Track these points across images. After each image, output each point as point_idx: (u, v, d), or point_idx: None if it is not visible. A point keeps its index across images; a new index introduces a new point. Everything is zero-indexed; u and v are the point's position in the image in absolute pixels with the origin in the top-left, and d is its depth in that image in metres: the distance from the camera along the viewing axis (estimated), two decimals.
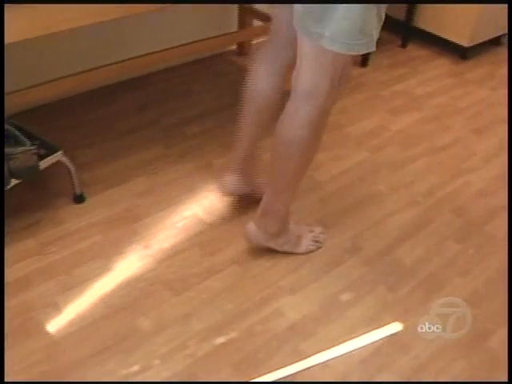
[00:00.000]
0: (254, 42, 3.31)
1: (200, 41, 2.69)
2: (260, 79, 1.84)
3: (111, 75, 2.61)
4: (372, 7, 1.37)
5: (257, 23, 3.15)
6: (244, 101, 1.90)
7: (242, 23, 3.15)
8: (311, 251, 2.00)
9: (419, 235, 2.13)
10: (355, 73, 3.19)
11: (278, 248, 1.95)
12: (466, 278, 1.97)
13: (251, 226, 1.89)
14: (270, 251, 1.96)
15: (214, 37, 2.79)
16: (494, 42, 3.74)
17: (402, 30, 3.54)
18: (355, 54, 1.46)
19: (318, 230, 2.05)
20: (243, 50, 3.26)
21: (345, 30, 1.39)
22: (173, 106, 2.72)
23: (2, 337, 1.61)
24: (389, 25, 3.57)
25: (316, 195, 2.27)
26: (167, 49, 2.55)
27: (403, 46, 3.54)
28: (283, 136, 1.66)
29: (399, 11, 3.44)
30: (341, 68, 1.53)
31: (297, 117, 1.62)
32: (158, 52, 2.51)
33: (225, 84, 2.97)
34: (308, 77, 1.56)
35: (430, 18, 3.43)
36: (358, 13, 1.36)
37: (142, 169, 2.30)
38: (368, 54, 3.22)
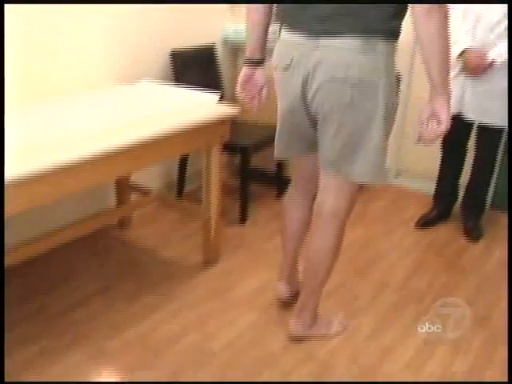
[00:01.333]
0: (135, 213, 3.37)
1: (79, 222, 2.70)
2: (294, 211, 2.37)
3: None
4: (383, 151, 1.96)
5: (135, 196, 3.23)
6: (283, 227, 2.45)
7: (121, 197, 3.22)
8: (338, 333, 2.45)
9: None
10: (235, 232, 3.28)
11: (316, 333, 2.40)
12: None
13: (293, 323, 2.36)
14: None
15: (92, 216, 2.81)
16: None
17: (276, 181, 3.72)
18: (382, 181, 2.05)
19: (340, 316, 2.54)
20: (124, 222, 3.30)
21: (370, 167, 1.96)
22: (57, 292, 2.66)
23: (2, 338, 1.68)
24: (263, 178, 3.79)
25: (212, 366, 2.25)
26: (42, 235, 2.53)
27: (278, 196, 3.70)
28: (316, 248, 2.18)
29: (271, 164, 3.64)
30: (355, 191, 2.12)
31: (326, 232, 2.14)
32: (32, 241, 2.48)
33: (109, 261, 2.96)
34: (332, 202, 2.10)
35: None
36: (377, 155, 1.94)
37: (30, 365, 2.19)
38: (246, 211, 3.36)
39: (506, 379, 2.08)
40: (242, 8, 3.68)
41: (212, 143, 2.63)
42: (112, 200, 3.25)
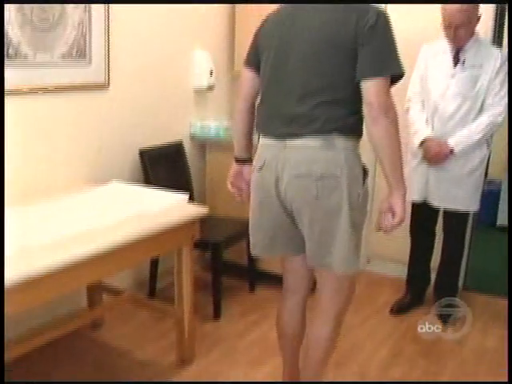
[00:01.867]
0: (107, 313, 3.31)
1: (52, 324, 2.66)
2: (286, 317, 2.36)
3: None
4: (354, 240, 2.03)
5: (106, 297, 3.19)
6: (278, 335, 2.42)
7: (92, 298, 3.17)
8: None
9: None
10: (209, 328, 3.25)
11: None
12: None
13: None
14: None
15: (65, 318, 2.77)
16: None
17: (248, 275, 3.70)
18: (354, 271, 2.09)
19: None
20: (97, 322, 3.24)
21: (345, 255, 2.01)
22: None
23: (2, 337, 1.70)
24: (235, 272, 3.77)
25: None
26: (12, 339, 2.46)
27: (251, 290, 3.69)
28: (314, 341, 2.25)
29: (243, 257, 3.62)
30: (349, 285, 2.21)
31: (324, 325, 2.22)
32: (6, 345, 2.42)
33: (84, 363, 2.89)
34: (330, 295, 2.18)
35: (271, 261, 3.56)
36: (349, 245, 2.01)
37: None
38: (220, 306, 3.33)
39: None
40: (208, 104, 3.82)
41: (183, 244, 2.64)
42: (83, 300, 3.21)
